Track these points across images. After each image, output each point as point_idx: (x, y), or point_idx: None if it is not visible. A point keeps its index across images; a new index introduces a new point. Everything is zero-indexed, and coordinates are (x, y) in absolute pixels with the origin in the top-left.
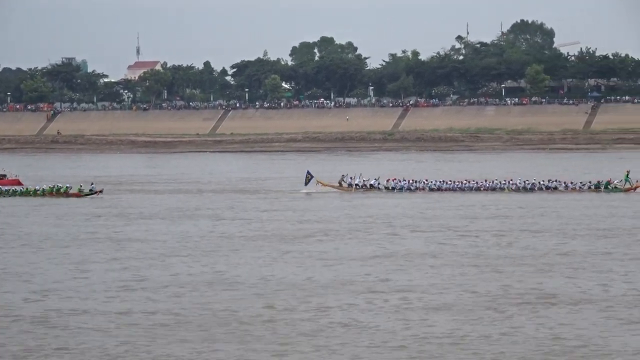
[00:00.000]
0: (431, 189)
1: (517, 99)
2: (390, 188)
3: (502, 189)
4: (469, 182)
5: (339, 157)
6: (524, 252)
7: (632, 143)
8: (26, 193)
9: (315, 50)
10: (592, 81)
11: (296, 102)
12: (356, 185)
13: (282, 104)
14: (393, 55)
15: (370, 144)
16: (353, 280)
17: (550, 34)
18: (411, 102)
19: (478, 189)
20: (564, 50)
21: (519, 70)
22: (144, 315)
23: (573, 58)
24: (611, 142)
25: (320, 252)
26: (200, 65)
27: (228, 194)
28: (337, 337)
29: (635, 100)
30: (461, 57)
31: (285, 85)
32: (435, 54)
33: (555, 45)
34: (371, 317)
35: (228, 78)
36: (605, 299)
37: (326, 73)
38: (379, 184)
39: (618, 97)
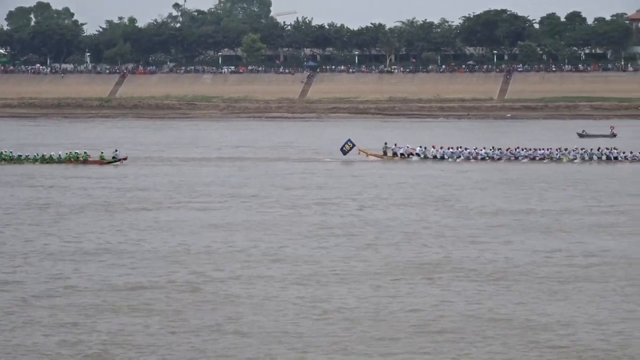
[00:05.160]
0: (482, 158)
1: (233, 67)
2: (438, 157)
3: (559, 159)
4: (522, 150)
5: (61, 122)
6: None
7: (347, 112)
8: (41, 160)
9: (32, 16)
10: (308, 50)
11: (11, 68)
12: (401, 154)
13: None
14: (110, 22)
15: (87, 111)
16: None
17: (266, 3)
18: (128, 69)
19: (533, 158)
20: (280, 20)
21: (235, 38)
22: None
23: (289, 27)
24: (326, 111)
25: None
26: None
27: None
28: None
29: (350, 70)
30: (178, 25)
31: (0, 50)
32: (152, 21)
33: (271, 14)
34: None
35: None
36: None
37: (42, 38)
38: (425, 150)
39: (333, 67)
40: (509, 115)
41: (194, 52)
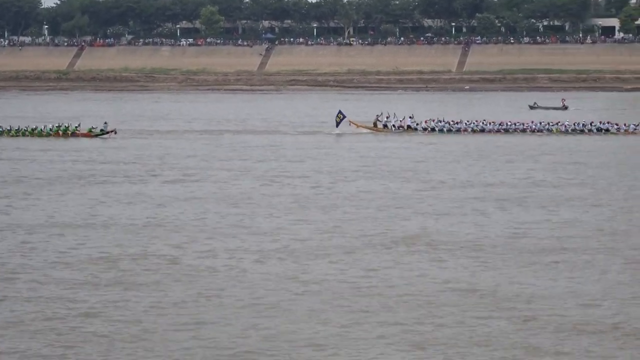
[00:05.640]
0: (473, 131)
1: (192, 39)
2: (429, 129)
3: (550, 131)
4: (514, 123)
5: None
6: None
7: (305, 84)
8: (30, 133)
9: None
10: (266, 23)
11: None
12: (392, 126)
13: None
14: None
15: (45, 83)
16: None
17: None
18: (86, 42)
19: (524, 131)
20: None
21: (194, 11)
22: None
23: (248, 0)
24: (285, 84)
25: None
26: None
27: None
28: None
29: (309, 42)
30: None
31: None
32: None
33: None
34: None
35: None
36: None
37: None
38: (417, 124)
39: (292, 39)
40: (467, 87)
41: (152, 25)
